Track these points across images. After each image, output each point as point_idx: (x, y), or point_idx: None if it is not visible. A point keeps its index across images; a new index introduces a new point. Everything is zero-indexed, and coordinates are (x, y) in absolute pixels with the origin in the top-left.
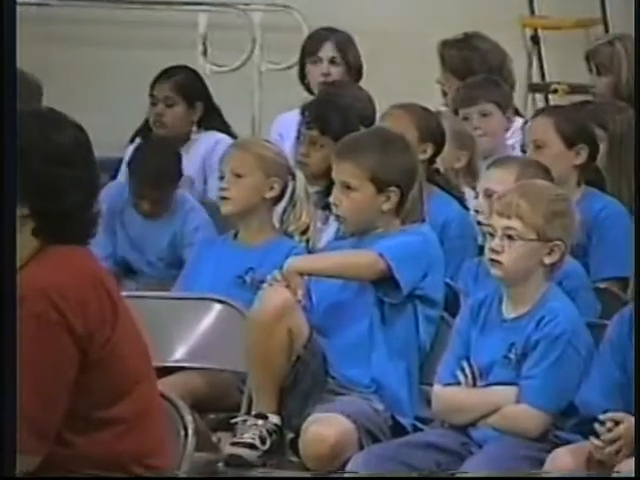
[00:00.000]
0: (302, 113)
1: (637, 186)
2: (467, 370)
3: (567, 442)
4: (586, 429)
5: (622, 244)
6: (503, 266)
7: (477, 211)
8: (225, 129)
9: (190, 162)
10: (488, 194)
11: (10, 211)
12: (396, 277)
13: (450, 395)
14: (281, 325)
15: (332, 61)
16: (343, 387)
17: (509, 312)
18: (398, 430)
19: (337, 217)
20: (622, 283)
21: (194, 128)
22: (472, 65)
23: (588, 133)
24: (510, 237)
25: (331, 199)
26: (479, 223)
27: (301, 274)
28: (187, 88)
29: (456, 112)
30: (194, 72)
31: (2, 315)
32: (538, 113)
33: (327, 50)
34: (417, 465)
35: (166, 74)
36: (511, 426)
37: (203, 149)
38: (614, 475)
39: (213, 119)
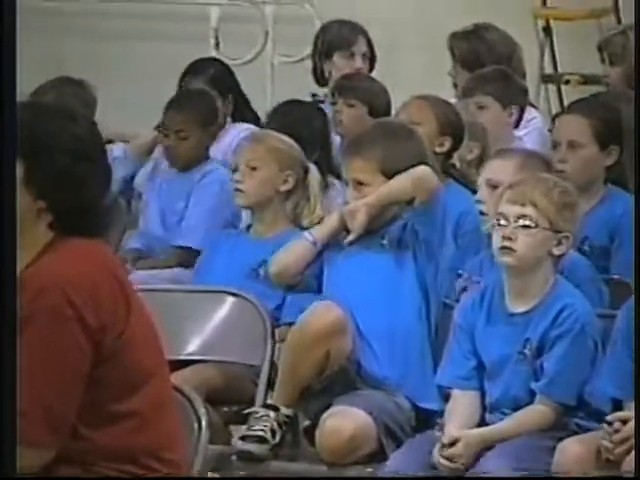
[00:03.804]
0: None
1: (637, 182)
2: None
3: (587, 429)
4: (599, 416)
5: None
6: (516, 254)
7: (479, 201)
8: (255, 120)
9: (217, 150)
10: (490, 184)
11: (10, 203)
12: (436, 201)
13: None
14: (320, 347)
15: (364, 55)
16: (368, 384)
17: (515, 305)
18: (422, 427)
19: None
20: None
21: (228, 119)
22: (480, 56)
23: (620, 134)
24: (524, 226)
25: (346, 198)
26: (481, 213)
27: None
28: (220, 82)
29: None
30: (223, 65)
31: (2, 314)
32: (572, 110)
33: (361, 45)
34: None
35: (197, 68)
36: (535, 427)
37: (229, 138)
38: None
39: (243, 111)
